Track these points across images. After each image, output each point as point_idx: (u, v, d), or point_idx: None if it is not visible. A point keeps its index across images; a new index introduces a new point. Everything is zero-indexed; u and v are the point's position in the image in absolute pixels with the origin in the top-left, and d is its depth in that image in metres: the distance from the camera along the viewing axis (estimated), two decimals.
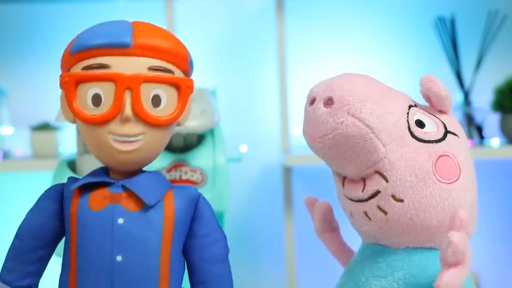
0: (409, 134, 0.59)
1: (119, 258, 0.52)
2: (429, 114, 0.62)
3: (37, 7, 1.50)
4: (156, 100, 0.53)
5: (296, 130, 1.45)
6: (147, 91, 0.52)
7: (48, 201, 0.56)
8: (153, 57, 0.53)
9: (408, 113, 0.59)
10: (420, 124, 0.60)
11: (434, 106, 0.63)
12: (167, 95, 0.54)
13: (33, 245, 0.55)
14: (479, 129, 1.34)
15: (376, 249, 0.62)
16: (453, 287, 0.52)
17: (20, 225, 0.56)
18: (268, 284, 1.51)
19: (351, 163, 0.59)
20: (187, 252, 0.56)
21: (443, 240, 0.53)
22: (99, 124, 0.52)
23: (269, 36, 1.46)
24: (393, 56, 1.48)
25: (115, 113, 0.52)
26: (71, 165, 0.91)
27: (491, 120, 1.38)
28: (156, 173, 0.56)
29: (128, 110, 0.51)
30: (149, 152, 0.54)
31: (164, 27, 1.35)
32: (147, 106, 0.53)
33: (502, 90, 1.32)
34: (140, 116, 0.52)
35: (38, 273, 0.56)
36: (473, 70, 1.38)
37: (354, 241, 0.69)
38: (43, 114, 1.45)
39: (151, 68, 0.53)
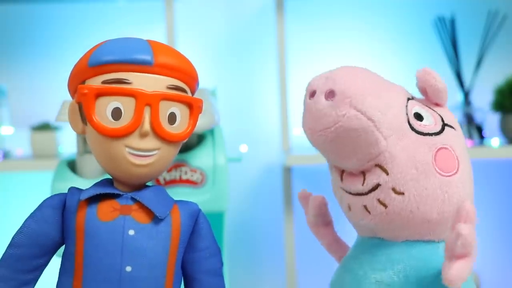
0: (409, 127, 0.58)
1: (128, 269, 0.53)
2: (426, 107, 0.61)
3: (37, 7, 1.50)
4: (171, 118, 0.55)
5: (296, 130, 1.45)
6: (165, 109, 0.54)
7: (50, 210, 0.56)
8: (171, 76, 0.55)
9: (407, 106, 0.59)
10: (418, 117, 0.60)
11: (430, 99, 0.62)
12: (181, 113, 0.55)
13: (33, 253, 0.55)
14: (479, 129, 1.34)
15: (374, 243, 0.62)
16: (462, 278, 0.52)
17: (18, 232, 0.55)
18: (268, 284, 1.51)
19: (352, 156, 0.58)
20: (185, 265, 0.57)
21: (450, 233, 0.52)
22: (117, 137, 0.53)
23: (269, 36, 1.46)
24: (393, 56, 1.48)
25: (135, 127, 0.53)
26: (71, 165, 0.91)
27: (491, 120, 1.38)
28: (160, 187, 0.58)
29: (146, 125, 0.53)
30: (161, 167, 0.56)
31: (164, 27, 1.36)
32: (164, 122, 0.54)
33: (502, 90, 1.33)
34: (157, 132, 0.54)
35: (34, 281, 0.56)
36: (473, 70, 1.38)
37: (346, 235, 0.70)
38: (43, 114, 1.45)
39: (169, 87, 0.55)
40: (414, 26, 1.48)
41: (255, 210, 1.51)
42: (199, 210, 0.58)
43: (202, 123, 0.83)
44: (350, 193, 0.61)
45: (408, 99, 0.60)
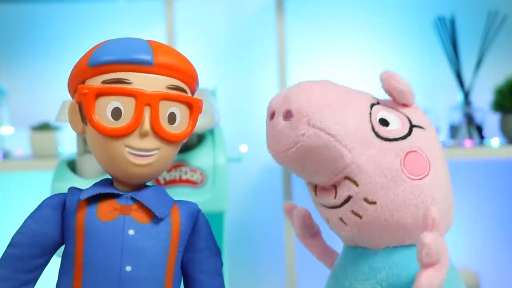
0: (374, 135, 0.58)
1: (128, 268, 0.53)
2: (393, 110, 0.61)
3: (37, 7, 1.50)
4: (171, 118, 0.55)
5: None
6: (165, 108, 0.54)
7: (50, 210, 0.56)
8: (171, 76, 0.55)
9: (370, 113, 0.59)
10: (384, 122, 0.59)
11: (397, 101, 0.62)
12: (181, 113, 0.56)
13: (33, 253, 0.55)
14: (479, 129, 1.34)
15: (357, 252, 0.62)
16: (433, 287, 0.52)
17: (18, 232, 0.55)
18: (268, 284, 1.51)
19: (319, 172, 0.59)
20: (185, 265, 0.57)
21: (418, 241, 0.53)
22: (117, 137, 0.53)
23: (269, 36, 1.46)
24: (393, 56, 1.48)
25: (135, 127, 0.53)
26: (71, 165, 0.91)
27: (491, 120, 1.38)
28: (160, 187, 0.58)
29: (147, 125, 0.53)
30: (160, 167, 0.56)
31: (164, 27, 1.36)
32: (164, 122, 0.54)
33: (502, 90, 1.33)
34: (157, 132, 0.54)
35: (34, 281, 0.56)
36: (473, 70, 1.38)
37: (338, 243, 0.70)
38: (43, 114, 1.45)
39: (169, 87, 0.55)
40: (414, 26, 1.48)
41: (255, 210, 1.51)
42: (199, 210, 0.58)
43: (202, 123, 0.83)
44: (325, 206, 0.61)
45: (373, 105, 0.60)
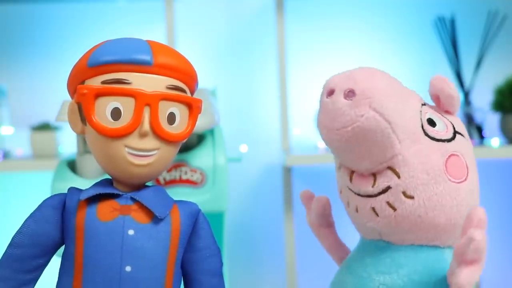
0: (422, 132, 0.58)
1: (128, 268, 0.53)
2: (438, 114, 0.62)
3: (37, 7, 1.50)
4: (171, 118, 0.55)
5: (296, 130, 1.45)
6: (164, 109, 0.54)
7: (50, 210, 0.56)
8: (170, 76, 0.55)
9: (421, 111, 0.59)
10: (431, 122, 0.60)
11: (442, 107, 0.62)
12: (180, 113, 0.56)
13: (33, 253, 0.55)
14: (479, 129, 1.35)
15: (379, 245, 0.62)
16: (471, 284, 0.52)
17: (18, 232, 0.55)
18: (268, 284, 1.51)
19: (364, 158, 0.58)
20: (185, 264, 0.58)
21: (461, 238, 0.52)
22: (117, 137, 0.53)
23: (269, 36, 1.46)
24: (393, 56, 1.48)
25: (134, 127, 0.53)
26: (71, 165, 0.91)
27: (491, 120, 1.38)
28: (160, 187, 0.58)
29: (146, 125, 0.53)
30: (160, 167, 0.56)
31: (164, 27, 1.36)
32: (164, 122, 0.54)
33: (502, 90, 1.33)
34: (157, 132, 0.54)
35: (34, 281, 0.56)
36: (473, 70, 1.38)
37: (346, 238, 0.70)
38: (43, 114, 1.45)
39: (169, 87, 0.55)
40: (414, 26, 1.48)
41: (255, 210, 1.51)
42: (199, 210, 0.58)
43: (202, 123, 0.83)
44: (358, 194, 0.61)
45: (422, 104, 0.61)
